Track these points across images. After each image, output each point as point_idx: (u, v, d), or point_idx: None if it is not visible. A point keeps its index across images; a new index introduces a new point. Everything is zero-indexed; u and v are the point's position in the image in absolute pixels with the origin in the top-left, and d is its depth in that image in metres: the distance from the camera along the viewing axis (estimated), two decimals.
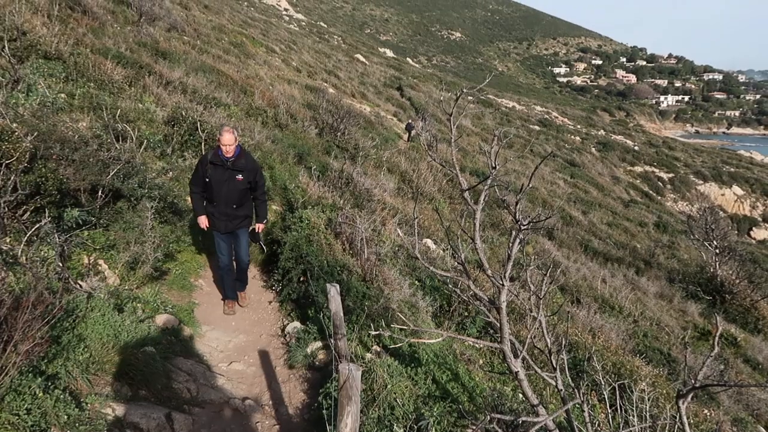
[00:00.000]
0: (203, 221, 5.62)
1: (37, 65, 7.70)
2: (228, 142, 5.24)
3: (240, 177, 5.41)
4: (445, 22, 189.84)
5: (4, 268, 3.82)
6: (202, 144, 8.23)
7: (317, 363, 4.91)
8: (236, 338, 5.47)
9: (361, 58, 50.73)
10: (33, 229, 4.20)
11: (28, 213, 4.64)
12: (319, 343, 5.05)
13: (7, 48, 6.85)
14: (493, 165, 2.93)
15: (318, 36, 58.43)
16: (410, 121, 23.77)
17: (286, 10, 73.43)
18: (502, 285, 3.14)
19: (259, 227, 5.90)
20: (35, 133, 4.75)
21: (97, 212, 5.28)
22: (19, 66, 7.08)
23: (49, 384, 3.14)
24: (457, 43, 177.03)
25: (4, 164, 4.20)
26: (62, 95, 7.33)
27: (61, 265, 4.28)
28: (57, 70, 7.96)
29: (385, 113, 25.56)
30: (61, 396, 3.11)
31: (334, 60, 38.65)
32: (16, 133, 4.48)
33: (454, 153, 3.53)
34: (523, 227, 3.02)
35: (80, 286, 4.45)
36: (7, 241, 4.22)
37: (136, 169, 6.21)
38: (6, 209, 4.26)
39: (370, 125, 18.70)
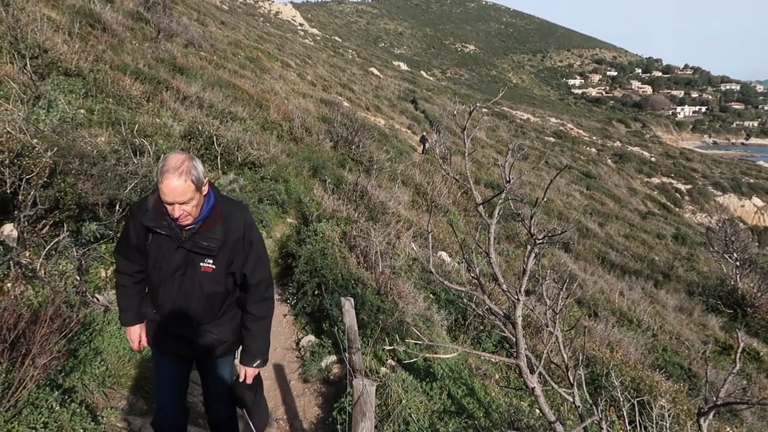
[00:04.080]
0: (135, 337, 2.83)
1: (58, 82, 7.85)
2: (175, 195, 2.36)
3: (209, 265, 2.56)
4: (459, 35, 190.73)
5: (23, 282, 3.87)
6: (218, 158, 8.31)
7: (332, 377, 4.89)
8: None
9: (376, 72, 51.05)
10: (52, 243, 4.25)
11: (47, 227, 4.70)
12: (333, 357, 5.03)
13: (29, 65, 6.99)
14: (508, 179, 2.92)
15: (333, 50, 58.95)
16: (425, 133, 23.83)
17: (301, 24, 74.26)
18: (518, 299, 3.11)
19: (248, 373, 2.83)
20: (55, 149, 4.83)
21: (114, 226, 5.33)
22: (41, 83, 7.22)
23: (66, 397, 3.16)
24: (471, 56, 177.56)
25: (24, 179, 4.27)
26: (82, 111, 7.46)
27: (78, 278, 4.32)
28: (77, 86, 8.11)
29: (399, 126, 25.65)
30: (78, 410, 3.12)
31: (348, 74, 38.93)
32: (37, 149, 4.55)
33: (468, 166, 3.52)
34: (538, 241, 3.00)
35: (97, 299, 4.49)
36: (27, 255, 4.28)
37: (153, 184, 6.28)
38: (26, 224, 4.32)
39: (384, 138, 18.76)
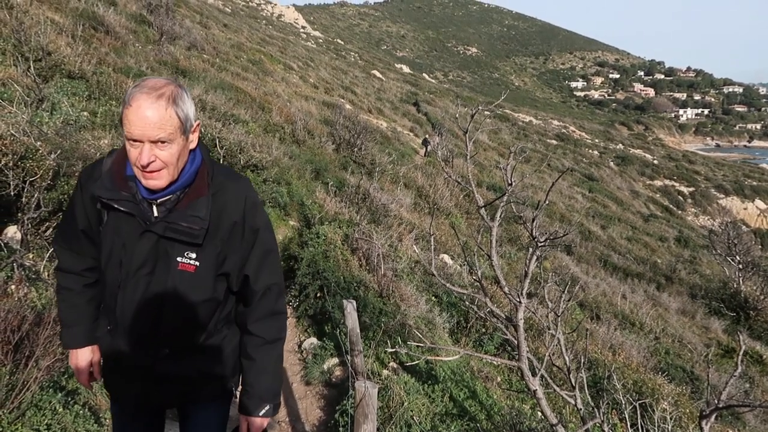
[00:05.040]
0: (83, 366, 1.97)
1: (61, 84, 7.88)
2: (147, 126, 1.55)
3: (189, 261, 1.73)
4: (461, 38, 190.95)
5: (27, 284, 3.89)
6: (221, 161, 8.33)
7: (334, 379, 4.90)
8: None
9: (378, 74, 51.12)
10: None
11: (51, 229, 4.72)
12: (335, 360, 5.04)
13: (32, 68, 7.03)
14: (509, 182, 2.92)
15: (335, 53, 59.06)
16: (427, 136, 23.85)
17: (303, 27, 74.42)
18: (519, 302, 3.12)
19: (252, 427, 1.96)
20: (58, 151, 4.85)
21: None
22: (44, 85, 7.26)
23: (69, 399, 3.17)
24: (474, 59, 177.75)
25: (28, 182, 4.29)
26: (85, 113, 7.49)
27: None
28: (80, 88, 8.14)
29: (401, 129, 25.67)
30: (81, 411, 3.14)
31: (350, 76, 38.99)
32: (40, 151, 4.58)
33: (470, 169, 3.53)
34: (540, 244, 3.00)
35: None
36: (30, 257, 4.30)
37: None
38: (29, 226, 4.34)
39: (386, 141, 18.78)
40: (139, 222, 1.68)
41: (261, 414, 1.93)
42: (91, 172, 1.77)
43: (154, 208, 1.68)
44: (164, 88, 1.58)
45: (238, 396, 1.99)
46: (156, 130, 1.55)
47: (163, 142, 1.57)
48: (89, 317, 1.93)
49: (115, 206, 1.67)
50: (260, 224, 1.82)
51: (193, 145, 1.71)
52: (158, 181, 1.62)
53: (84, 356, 1.97)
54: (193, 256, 1.71)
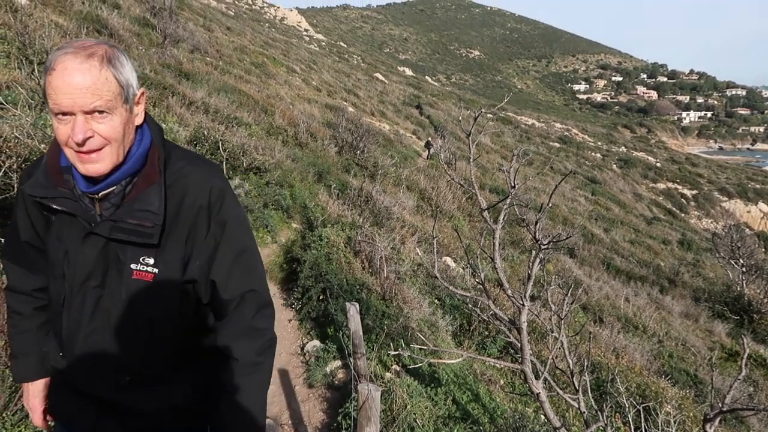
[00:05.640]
0: (36, 404, 1.65)
1: None
2: (77, 90, 1.22)
3: (145, 268, 1.39)
4: (464, 41, 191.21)
5: None
6: (224, 163, 8.35)
7: (336, 382, 4.90)
8: None
9: (381, 77, 51.19)
10: None
11: None
12: (338, 362, 5.04)
13: (36, 71, 7.05)
14: (512, 184, 2.92)
15: (338, 56, 59.17)
16: (429, 139, 23.87)
17: (306, 30, 74.57)
18: (523, 305, 3.11)
19: None
20: None
21: None
22: None
23: None
24: (476, 61, 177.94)
25: None
26: None
27: None
28: None
29: (404, 131, 25.69)
30: None
31: (353, 79, 39.05)
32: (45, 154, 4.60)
33: (473, 171, 3.53)
34: (543, 247, 3.00)
35: None
36: None
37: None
38: None
39: (389, 143, 18.80)
40: (82, 223, 1.37)
41: None
42: (31, 170, 1.46)
43: (98, 204, 1.37)
44: (95, 47, 1.27)
45: None
46: (89, 96, 1.23)
47: (100, 112, 1.26)
48: (41, 344, 1.59)
49: (53, 206, 1.37)
50: (229, 216, 1.45)
51: (139, 120, 1.39)
52: (99, 164, 1.29)
53: (36, 391, 1.64)
54: (151, 261, 1.38)
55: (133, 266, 1.37)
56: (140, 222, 1.34)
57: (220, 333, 1.50)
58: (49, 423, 1.69)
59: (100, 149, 1.29)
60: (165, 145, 1.46)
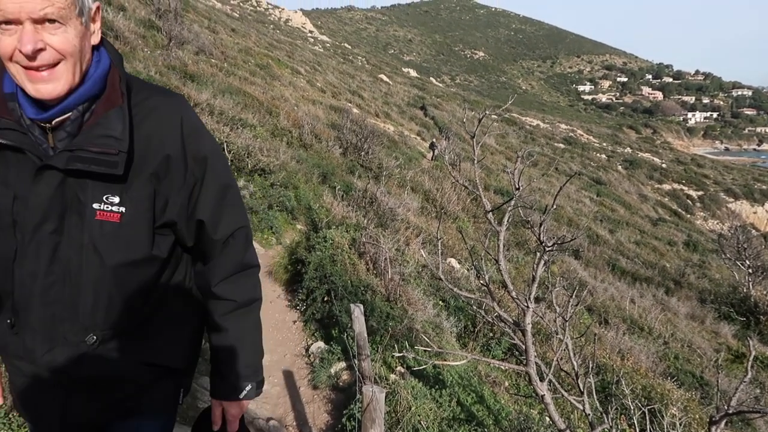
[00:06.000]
0: None
1: None
2: None
3: (110, 207, 1.22)
4: (468, 42, 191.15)
5: None
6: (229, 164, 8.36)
7: (341, 384, 4.90)
8: None
9: (385, 78, 51.21)
10: None
11: None
12: (343, 364, 5.04)
13: None
14: (517, 186, 2.92)
15: (342, 57, 59.24)
16: (434, 140, 23.87)
17: (311, 32, 74.70)
18: (527, 306, 3.11)
19: (229, 414, 1.52)
20: None
21: None
22: None
23: None
24: (481, 63, 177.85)
25: None
26: None
27: None
28: None
29: (408, 132, 25.70)
30: None
31: (358, 80, 39.09)
32: None
33: (477, 173, 3.53)
34: (547, 248, 3.00)
35: None
36: None
37: None
38: None
39: (393, 144, 18.81)
40: (32, 158, 1.17)
41: (241, 396, 1.49)
42: None
43: (50, 136, 1.18)
44: None
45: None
46: (39, 0, 1.05)
47: (52, 21, 1.08)
48: None
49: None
50: (207, 151, 1.35)
51: (95, 39, 1.22)
52: (53, 84, 1.12)
53: None
54: (116, 199, 1.21)
55: (95, 206, 1.20)
56: (103, 149, 1.16)
57: (212, 274, 1.41)
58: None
59: (53, 66, 1.11)
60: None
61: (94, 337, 1.28)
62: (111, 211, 1.22)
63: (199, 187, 1.33)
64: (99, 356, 1.30)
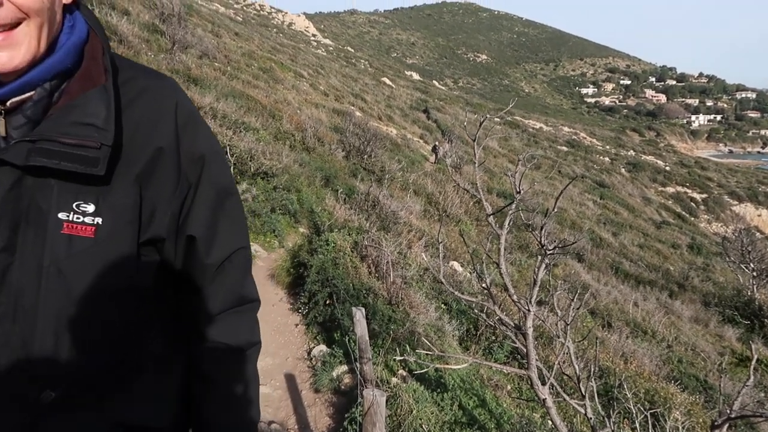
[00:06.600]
0: None
1: None
2: None
3: (83, 219, 0.89)
4: (471, 45, 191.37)
5: None
6: (232, 168, 8.39)
7: (343, 387, 4.90)
8: (263, 361, 5.49)
9: (388, 82, 51.28)
10: None
11: None
12: (344, 367, 5.04)
13: None
14: (518, 189, 2.92)
15: (345, 60, 59.36)
16: (437, 143, 23.89)
17: (314, 35, 74.89)
18: (528, 310, 3.11)
19: None
20: None
21: None
22: None
23: None
24: (483, 66, 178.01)
25: None
26: None
27: None
28: None
29: (411, 135, 25.72)
30: None
31: (361, 84, 39.16)
32: None
33: (478, 177, 3.53)
34: (549, 252, 2.99)
35: None
36: None
37: None
38: None
39: (396, 147, 18.83)
40: None
41: None
42: None
43: (4, 121, 0.88)
44: None
45: None
46: None
47: None
48: None
49: None
50: (205, 148, 1.04)
51: None
52: (11, 51, 0.84)
53: None
54: (90, 207, 0.89)
55: (62, 215, 0.87)
56: (79, 141, 0.86)
57: (202, 308, 1.08)
58: None
59: (12, 28, 0.83)
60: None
61: (53, 394, 0.92)
62: (83, 223, 0.89)
63: (193, 193, 1.02)
64: (59, 419, 0.94)
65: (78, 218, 0.89)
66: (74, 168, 0.86)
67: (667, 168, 49.83)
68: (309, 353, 5.63)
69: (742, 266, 15.14)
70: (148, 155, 0.96)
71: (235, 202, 1.11)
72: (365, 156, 13.84)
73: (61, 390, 0.93)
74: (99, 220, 0.90)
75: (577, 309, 3.49)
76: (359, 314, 3.78)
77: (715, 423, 2.77)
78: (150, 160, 0.96)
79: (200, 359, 1.10)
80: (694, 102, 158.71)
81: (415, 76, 77.32)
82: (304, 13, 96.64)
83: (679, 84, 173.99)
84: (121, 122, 0.93)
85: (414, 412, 4.01)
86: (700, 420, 5.67)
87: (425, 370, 4.64)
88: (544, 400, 3.17)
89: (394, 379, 4.62)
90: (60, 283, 0.89)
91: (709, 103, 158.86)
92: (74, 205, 0.89)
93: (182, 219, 1.02)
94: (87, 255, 0.90)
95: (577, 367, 3.27)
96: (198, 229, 1.04)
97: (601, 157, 47.78)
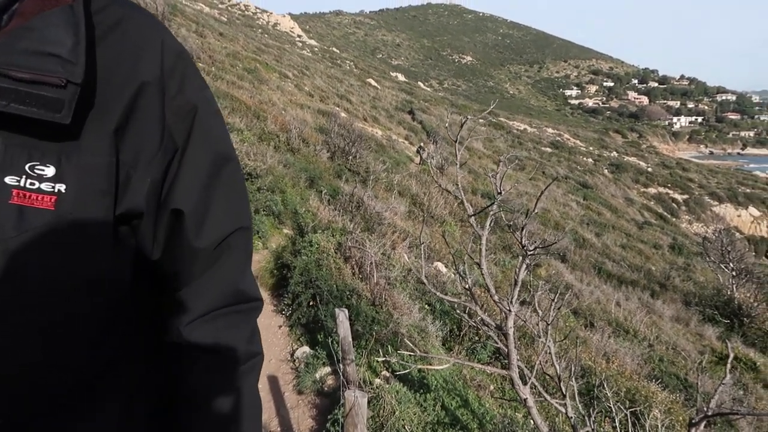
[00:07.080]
0: None
1: None
2: None
3: (40, 185, 0.61)
4: (456, 47, 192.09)
5: None
6: None
7: (326, 388, 4.89)
8: None
9: (373, 83, 51.28)
10: None
11: None
12: (328, 369, 5.03)
13: None
14: (499, 191, 2.94)
15: (330, 61, 59.27)
16: (421, 144, 23.94)
17: (299, 36, 74.64)
18: (509, 310, 3.13)
19: None
20: None
21: None
22: None
23: None
24: (468, 67, 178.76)
25: None
26: None
27: None
28: None
29: (396, 136, 25.75)
30: None
31: (346, 84, 39.11)
32: None
33: (460, 177, 3.55)
34: (529, 252, 3.02)
35: None
36: None
37: None
38: None
39: (381, 148, 18.84)
40: None
41: None
42: None
43: None
44: None
45: None
46: None
47: None
48: None
49: None
50: (197, 98, 0.80)
51: None
52: None
53: None
54: (50, 170, 0.63)
55: (9, 180, 0.61)
56: (36, 76, 0.61)
57: (186, 307, 0.80)
58: None
59: None
60: None
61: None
62: (39, 191, 0.63)
63: (180, 156, 0.76)
64: None
65: (33, 184, 0.62)
66: (28, 112, 0.60)
67: (650, 169, 50.44)
68: (292, 355, 5.61)
69: (722, 266, 15.37)
70: (126, 103, 0.70)
71: (234, 169, 0.84)
72: (350, 157, 13.83)
73: (5, 417, 0.66)
74: (61, 187, 0.64)
75: (558, 309, 3.52)
76: (342, 315, 3.78)
77: (693, 421, 2.81)
78: (127, 109, 0.70)
79: (185, 374, 0.83)
80: (676, 104, 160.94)
81: (401, 78, 77.45)
82: (290, 14, 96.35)
83: (661, 86, 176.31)
84: (95, 55, 0.68)
85: (397, 412, 4.01)
86: (680, 418, 5.75)
87: (408, 370, 4.64)
88: (525, 399, 3.20)
89: (377, 380, 4.62)
90: (7, 274, 0.62)
91: (691, 105, 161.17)
92: (27, 167, 0.62)
93: (166, 189, 0.75)
94: (44, 234, 0.63)
95: (558, 366, 3.30)
96: (186, 202, 0.76)
97: (585, 159, 48.24)
